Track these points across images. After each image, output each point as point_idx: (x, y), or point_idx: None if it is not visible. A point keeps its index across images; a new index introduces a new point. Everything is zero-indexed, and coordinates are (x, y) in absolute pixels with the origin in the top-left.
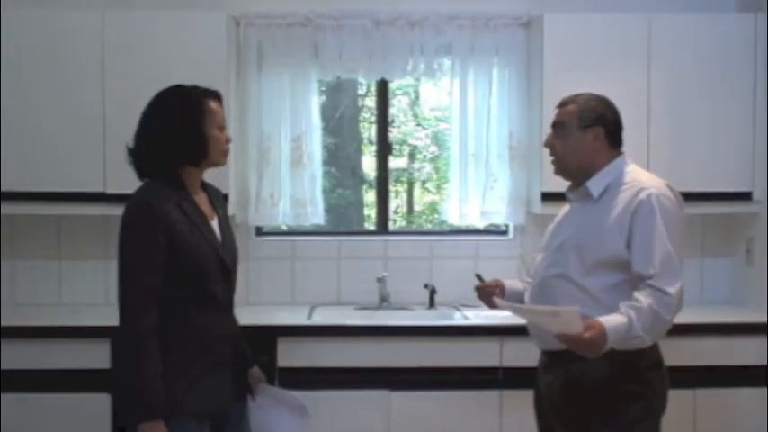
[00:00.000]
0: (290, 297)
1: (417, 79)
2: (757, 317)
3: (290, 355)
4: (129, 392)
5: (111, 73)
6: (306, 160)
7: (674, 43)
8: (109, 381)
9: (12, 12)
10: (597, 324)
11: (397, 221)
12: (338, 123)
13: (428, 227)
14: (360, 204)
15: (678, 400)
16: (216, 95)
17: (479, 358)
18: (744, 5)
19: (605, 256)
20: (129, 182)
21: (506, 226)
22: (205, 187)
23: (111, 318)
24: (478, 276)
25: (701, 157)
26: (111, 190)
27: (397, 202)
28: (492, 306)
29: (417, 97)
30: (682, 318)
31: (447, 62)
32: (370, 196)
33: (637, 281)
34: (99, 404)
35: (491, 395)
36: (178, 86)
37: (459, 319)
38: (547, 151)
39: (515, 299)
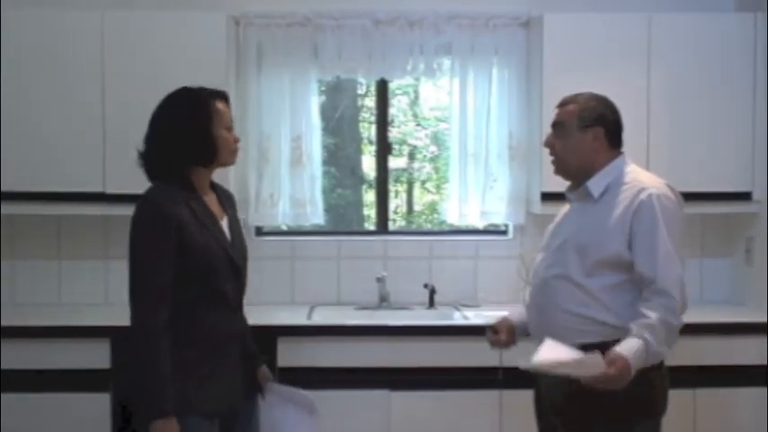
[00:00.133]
0: (289, 297)
1: (417, 79)
2: (757, 317)
3: (290, 354)
4: (141, 391)
5: (111, 73)
6: (305, 160)
7: (673, 43)
8: (109, 380)
9: (11, 12)
10: (618, 357)
11: (396, 221)
12: (338, 123)
13: (428, 227)
14: (359, 204)
15: (678, 400)
16: (223, 96)
17: (479, 358)
18: (743, 5)
19: (606, 256)
20: (128, 182)
21: (506, 226)
22: (215, 188)
23: (111, 318)
24: (491, 328)
25: (701, 156)
26: (110, 190)
27: (396, 202)
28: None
29: (417, 97)
30: None
31: (447, 62)
32: (369, 196)
33: (638, 281)
34: (99, 404)
35: (491, 395)
36: (185, 89)
37: (458, 318)
38: (547, 151)
39: (526, 330)
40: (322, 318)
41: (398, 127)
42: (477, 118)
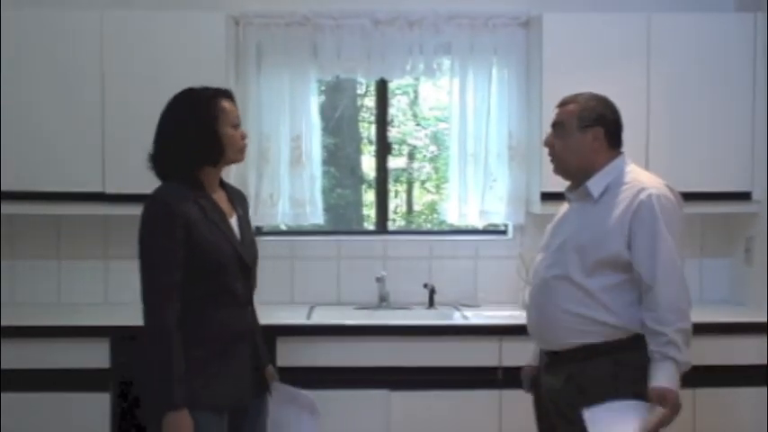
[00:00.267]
0: (289, 297)
1: (416, 79)
2: (757, 316)
3: (290, 354)
4: (153, 385)
5: (111, 73)
6: (305, 160)
7: (673, 43)
8: (108, 380)
9: (11, 12)
10: (664, 392)
11: (396, 221)
12: (337, 123)
13: (427, 227)
14: (359, 204)
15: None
16: (228, 94)
17: (479, 358)
18: (743, 5)
19: (606, 256)
20: (128, 182)
21: (506, 226)
22: (225, 187)
23: (110, 317)
24: (526, 383)
25: (701, 156)
26: (110, 190)
27: (396, 202)
28: None
29: (416, 97)
30: None
31: (446, 62)
32: (369, 196)
33: (638, 281)
34: (98, 404)
35: (491, 395)
36: (190, 89)
37: (458, 318)
38: (546, 151)
39: None
40: (321, 317)
41: (398, 127)
42: (476, 118)
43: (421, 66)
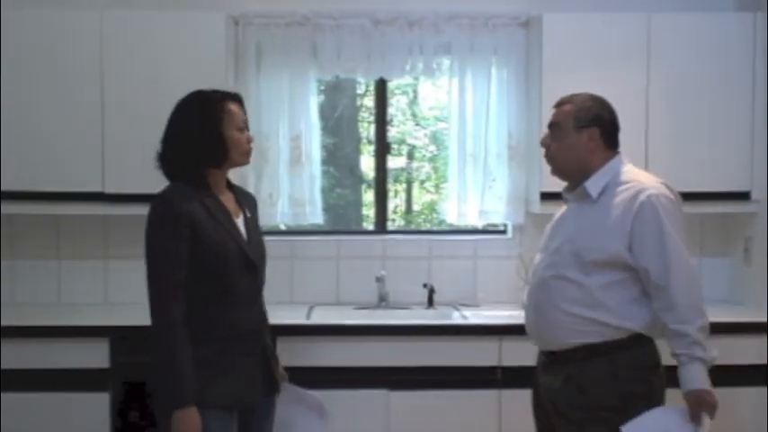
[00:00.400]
0: (288, 297)
1: (416, 79)
2: (756, 316)
3: (289, 354)
4: (162, 383)
5: (110, 72)
6: (304, 160)
7: (673, 43)
8: (108, 380)
9: (11, 12)
10: (700, 392)
11: (395, 221)
12: (337, 123)
13: (427, 226)
14: (358, 204)
15: (677, 399)
16: (236, 98)
17: (478, 358)
18: (743, 5)
19: (604, 257)
20: (127, 181)
21: (505, 225)
22: (232, 188)
23: (110, 317)
24: None
25: (700, 156)
26: (109, 189)
27: (395, 202)
28: None
29: (416, 97)
30: None
31: (446, 62)
32: (368, 196)
33: (645, 281)
34: (98, 403)
35: (490, 395)
36: (198, 91)
37: (457, 318)
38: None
39: None
40: (321, 317)
41: (397, 126)
42: (476, 117)
43: (420, 66)
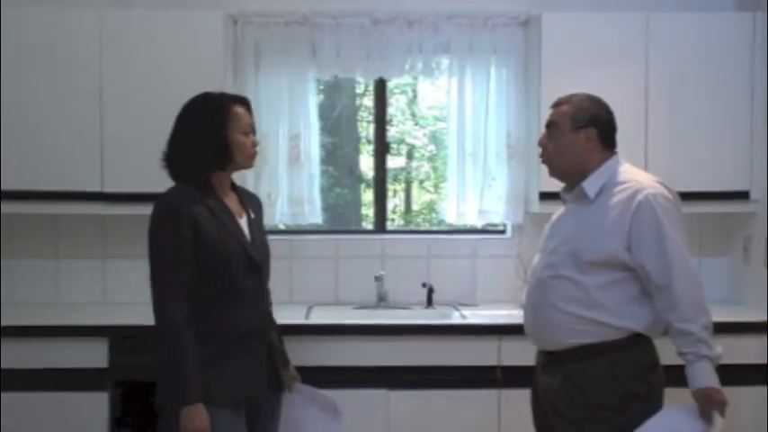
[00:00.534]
0: (287, 296)
1: (415, 78)
2: (755, 316)
3: (289, 354)
4: (168, 382)
5: (109, 72)
6: (304, 159)
7: (672, 42)
8: (107, 379)
9: (9, 11)
10: (708, 390)
11: (394, 220)
12: (336, 122)
13: (426, 226)
14: (358, 203)
15: (676, 399)
16: (242, 101)
17: (478, 357)
18: (742, 5)
19: (602, 257)
20: (126, 181)
21: (504, 225)
22: (236, 189)
23: (108, 317)
24: None
25: (700, 156)
26: (108, 189)
27: (394, 202)
28: None
29: (415, 96)
30: None
31: (445, 61)
32: (367, 195)
33: (645, 280)
34: (97, 403)
35: (489, 394)
36: (205, 93)
37: (457, 318)
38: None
39: None
40: (320, 317)
41: (397, 126)
42: (475, 117)
43: (420, 65)
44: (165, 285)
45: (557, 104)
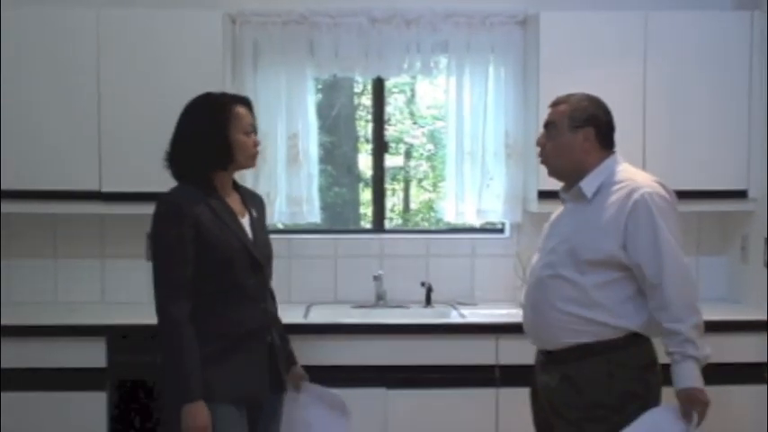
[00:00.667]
0: (286, 296)
1: (413, 77)
2: (753, 314)
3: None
4: (170, 379)
5: (107, 71)
6: (302, 158)
7: (670, 41)
8: (105, 379)
9: (7, 11)
10: (691, 390)
11: (393, 220)
12: (334, 121)
13: (424, 225)
14: (356, 203)
15: (674, 398)
16: (244, 101)
17: (476, 356)
18: (740, 3)
19: (600, 256)
20: (124, 180)
21: (503, 224)
22: (239, 189)
23: (107, 316)
24: None
25: (698, 155)
26: (106, 188)
27: (393, 201)
28: None
29: (413, 95)
30: None
31: (443, 60)
32: (366, 194)
33: (641, 280)
34: (95, 403)
35: (487, 393)
36: (207, 94)
37: (455, 317)
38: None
39: None
40: (319, 316)
41: (395, 125)
42: (473, 116)
43: (418, 64)
44: (167, 284)
45: (555, 104)
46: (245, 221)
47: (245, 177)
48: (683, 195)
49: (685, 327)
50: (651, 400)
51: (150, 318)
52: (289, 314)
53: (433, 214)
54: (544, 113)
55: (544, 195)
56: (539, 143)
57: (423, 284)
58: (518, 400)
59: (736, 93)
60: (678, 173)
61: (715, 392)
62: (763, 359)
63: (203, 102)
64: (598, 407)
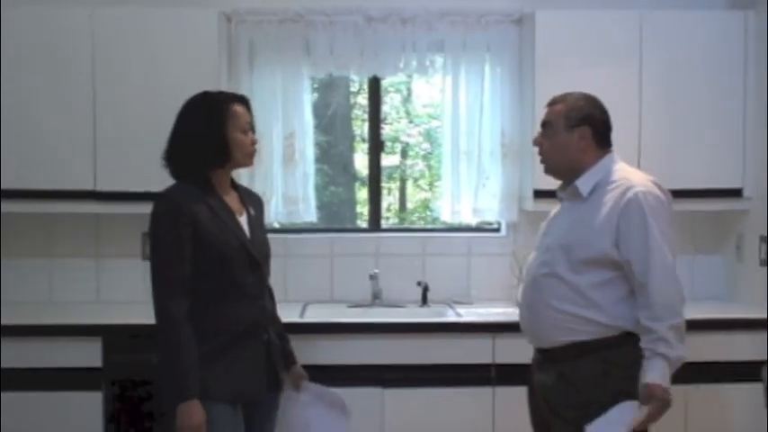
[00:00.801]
0: (282, 295)
1: (409, 76)
2: (748, 313)
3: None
4: (166, 377)
5: (102, 70)
6: (298, 158)
7: (665, 41)
8: (101, 379)
9: (7, 11)
10: (650, 387)
11: (389, 219)
12: (330, 121)
13: (420, 224)
14: (352, 202)
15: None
16: (241, 99)
17: (472, 355)
18: (734, 3)
19: (594, 255)
20: (119, 180)
21: (499, 223)
22: (237, 187)
23: (102, 316)
24: None
25: (692, 154)
26: (101, 188)
27: (389, 200)
28: None
29: (409, 94)
30: None
31: (439, 59)
32: (362, 194)
33: (631, 278)
34: (91, 402)
35: (484, 392)
36: (204, 92)
37: (451, 316)
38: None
39: None
40: (315, 315)
41: (391, 124)
42: (469, 115)
43: (414, 63)
44: (165, 282)
45: (551, 103)
46: (243, 220)
47: (241, 177)
48: (678, 194)
49: (662, 326)
50: None
51: (146, 317)
52: (285, 313)
53: (429, 213)
54: (540, 112)
55: (540, 194)
56: (536, 143)
57: (419, 283)
58: (515, 399)
59: (730, 92)
60: (673, 171)
61: (709, 390)
62: (758, 357)
63: (201, 100)
64: (594, 405)
